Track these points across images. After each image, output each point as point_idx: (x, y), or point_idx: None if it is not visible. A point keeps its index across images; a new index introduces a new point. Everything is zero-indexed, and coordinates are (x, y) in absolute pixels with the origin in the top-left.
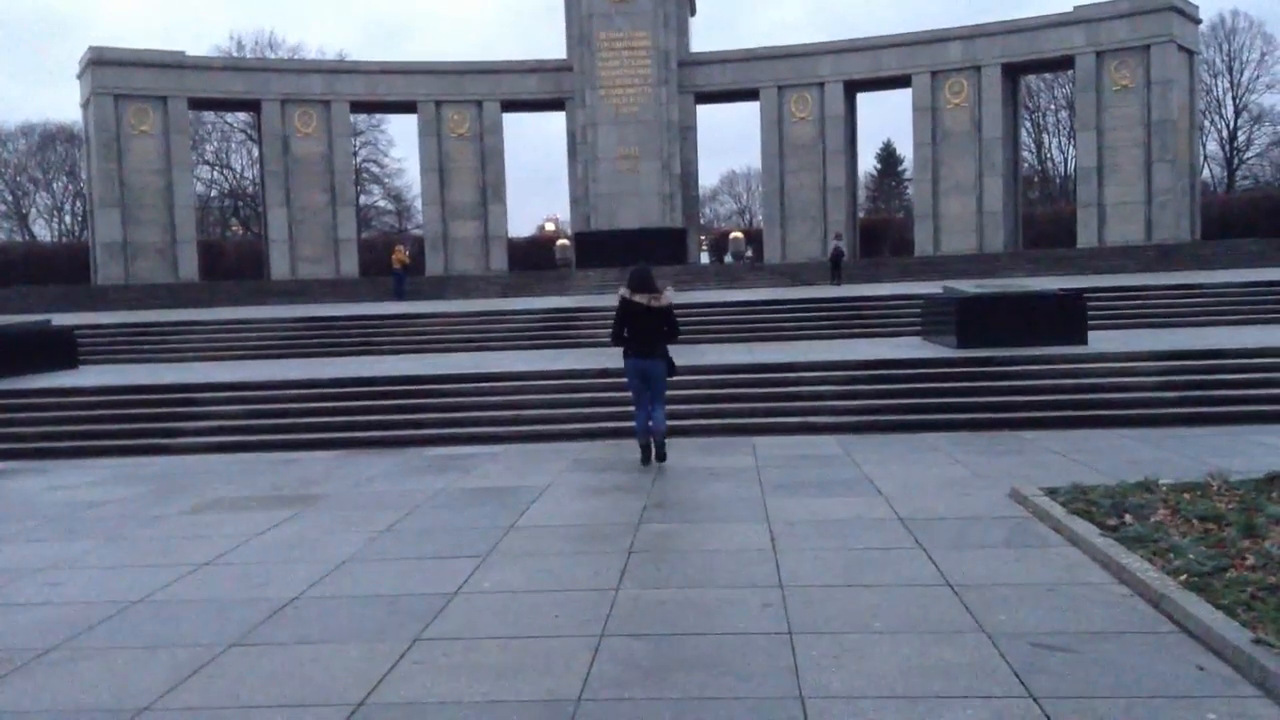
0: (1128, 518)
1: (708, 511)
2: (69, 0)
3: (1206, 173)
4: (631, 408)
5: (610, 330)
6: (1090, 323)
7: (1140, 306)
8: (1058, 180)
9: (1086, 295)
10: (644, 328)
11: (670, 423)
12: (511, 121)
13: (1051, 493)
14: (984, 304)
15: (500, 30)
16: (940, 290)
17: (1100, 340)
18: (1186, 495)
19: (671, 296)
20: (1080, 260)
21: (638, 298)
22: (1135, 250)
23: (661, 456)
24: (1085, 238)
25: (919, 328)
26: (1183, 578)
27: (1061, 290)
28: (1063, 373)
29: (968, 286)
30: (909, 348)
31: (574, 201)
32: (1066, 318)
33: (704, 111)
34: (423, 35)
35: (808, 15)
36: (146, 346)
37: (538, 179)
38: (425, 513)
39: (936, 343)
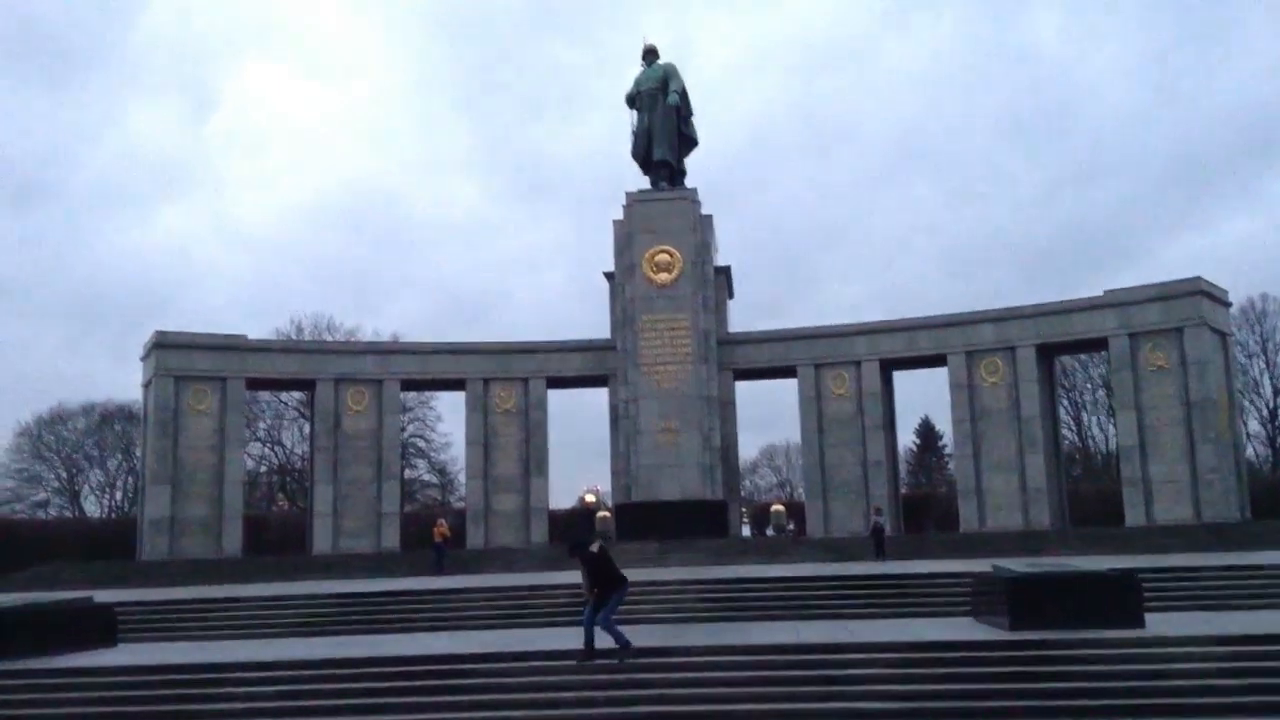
0: None
1: None
2: (152, 282)
3: (1251, 451)
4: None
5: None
6: (1145, 604)
7: (1196, 588)
8: (1100, 457)
9: (1140, 575)
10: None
11: (713, 706)
12: (555, 395)
13: None
14: (1036, 584)
15: (558, 307)
16: (989, 568)
17: (1157, 623)
18: None
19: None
20: (1129, 539)
21: (593, 548)
22: (1185, 529)
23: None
24: (1133, 516)
25: (969, 607)
26: None
27: (1115, 570)
28: (1121, 658)
29: (1018, 565)
30: (960, 628)
31: (615, 473)
32: (1121, 599)
33: (743, 386)
34: (487, 314)
35: (866, 294)
36: (186, 623)
37: (579, 451)
38: None
39: (988, 623)
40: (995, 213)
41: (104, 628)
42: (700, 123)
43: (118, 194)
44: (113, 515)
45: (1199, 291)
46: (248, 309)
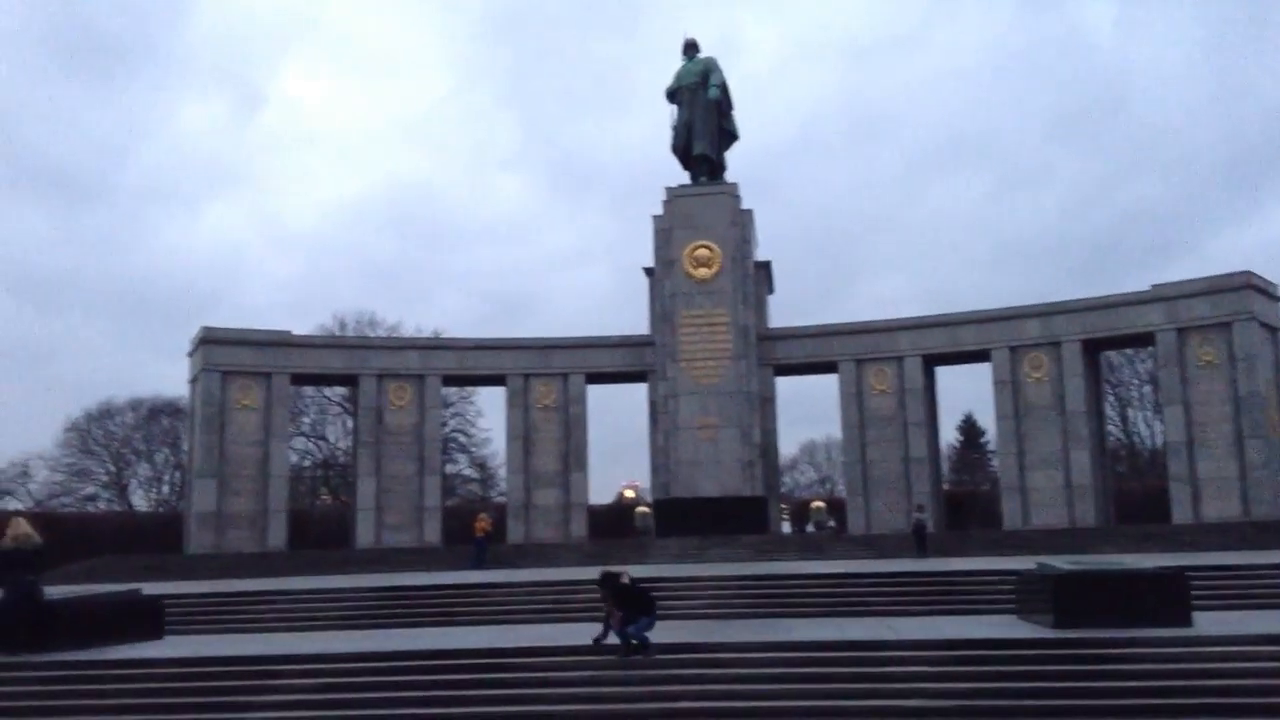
0: None
1: None
2: (199, 279)
3: None
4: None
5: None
6: (1193, 603)
7: (1244, 586)
8: (1146, 454)
9: (1187, 573)
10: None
11: (756, 703)
12: (594, 391)
13: None
14: (1081, 582)
15: (600, 303)
16: (1033, 566)
17: (1204, 621)
18: None
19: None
20: (1176, 537)
21: (624, 580)
22: (1233, 527)
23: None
24: (1180, 513)
25: (1013, 605)
26: None
27: (1162, 568)
28: (1168, 656)
29: (1062, 563)
30: (1004, 626)
31: (654, 469)
32: (1168, 597)
33: (783, 381)
34: (529, 310)
35: (911, 288)
36: (231, 616)
37: (619, 447)
38: None
39: (1032, 621)
40: (1044, 207)
41: (152, 620)
42: (746, 116)
43: (166, 191)
44: (160, 509)
45: (1248, 286)
46: (293, 306)
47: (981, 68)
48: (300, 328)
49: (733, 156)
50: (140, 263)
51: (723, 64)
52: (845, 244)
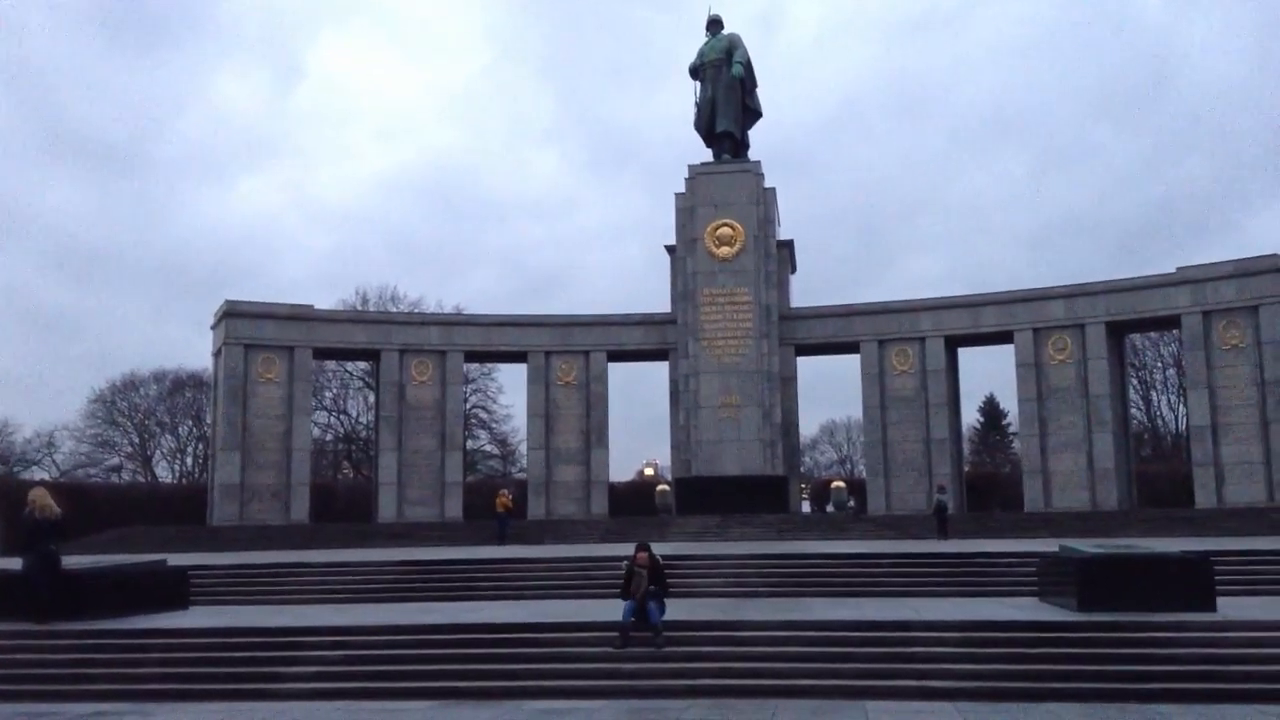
0: None
1: None
2: (235, 252)
3: None
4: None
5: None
6: (1217, 587)
7: (1269, 571)
8: (1169, 438)
9: (1211, 558)
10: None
11: (776, 681)
12: (615, 369)
13: None
14: (1106, 565)
15: (632, 280)
16: (1055, 549)
17: (1229, 607)
18: None
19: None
20: (1200, 521)
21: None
22: (1257, 512)
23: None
24: (1204, 498)
25: (1036, 588)
26: None
27: (1188, 553)
28: (1192, 641)
29: (1086, 546)
30: (1027, 609)
31: (675, 448)
32: (1193, 582)
33: (804, 361)
34: (562, 287)
35: (946, 268)
36: (256, 588)
37: (639, 425)
38: None
39: (1056, 604)
40: (1085, 186)
41: (177, 590)
42: (784, 92)
43: (203, 163)
44: (184, 481)
45: (1277, 269)
46: (327, 280)
47: (1025, 45)
48: (332, 302)
49: (759, 134)
50: (175, 235)
51: (762, 39)
52: (883, 223)
